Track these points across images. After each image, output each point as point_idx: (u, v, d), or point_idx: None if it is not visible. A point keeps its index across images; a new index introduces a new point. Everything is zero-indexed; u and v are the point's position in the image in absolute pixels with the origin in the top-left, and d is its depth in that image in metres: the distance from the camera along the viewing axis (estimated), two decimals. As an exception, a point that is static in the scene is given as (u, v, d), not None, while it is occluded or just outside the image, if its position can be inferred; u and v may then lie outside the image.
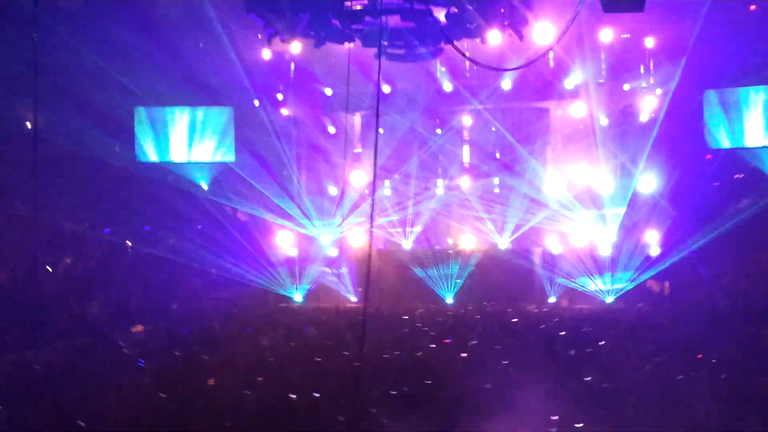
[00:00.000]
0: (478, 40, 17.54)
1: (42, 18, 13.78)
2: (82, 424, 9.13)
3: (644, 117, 19.70)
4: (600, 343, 13.14)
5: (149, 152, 20.77)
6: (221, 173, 20.72)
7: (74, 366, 12.05)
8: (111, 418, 9.45)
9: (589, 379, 10.68)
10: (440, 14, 16.80)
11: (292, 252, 20.29)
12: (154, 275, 18.76)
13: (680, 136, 19.32)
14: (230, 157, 20.79)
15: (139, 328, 15.53)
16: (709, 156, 19.50)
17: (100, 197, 19.25)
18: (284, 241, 20.34)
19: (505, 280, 18.68)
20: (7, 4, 17.47)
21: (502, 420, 9.19)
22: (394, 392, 10.46)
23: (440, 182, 21.50)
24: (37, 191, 12.89)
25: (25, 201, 17.70)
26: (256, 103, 20.54)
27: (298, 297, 19.40)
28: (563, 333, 14.26)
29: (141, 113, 20.62)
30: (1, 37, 17.39)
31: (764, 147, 18.95)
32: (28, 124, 17.34)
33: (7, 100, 17.89)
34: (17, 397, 10.02)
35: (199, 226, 19.68)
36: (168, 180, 20.27)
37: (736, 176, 19.23)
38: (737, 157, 19.25)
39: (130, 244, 19.25)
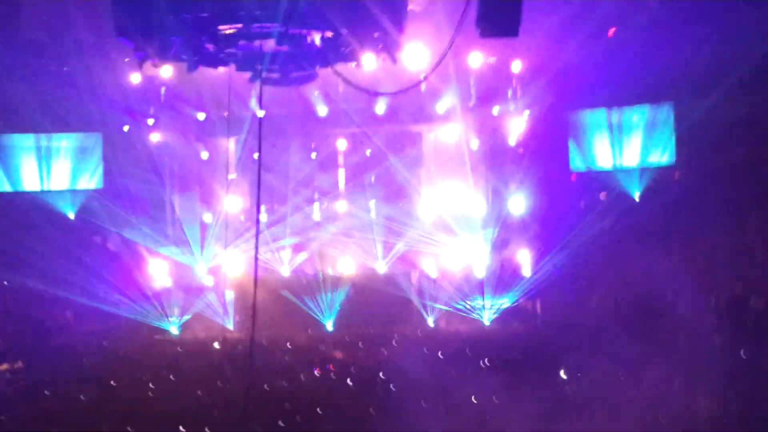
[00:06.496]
0: (353, 64, 17.61)
1: None
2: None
3: (512, 140, 20.25)
4: (480, 364, 13.51)
5: (8, 181, 19.88)
6: (89, 201, 19.96)
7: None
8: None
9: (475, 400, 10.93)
10: (316, 38, 16.78)
11: (167, 281, 19.70)
12: (19, 309, 17.80)
13: (546, 158, 19.93)
14: (98, 184, 20.10)
15: (2, 366, 14.71)
16: (573, 176, 20.29)
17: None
18: (158, 271, 19.72)
19: (384, 304, 18.75)
20: None
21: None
22: (281, 423, 10.39)
23: (316, 207, 21.46)
24: None
25: None
26: (126, 128, 19.97)
27: (173, 329, 18.83)
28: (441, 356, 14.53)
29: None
30: None
31: (625, 168, 19.86)
32: None
33: None
34: None
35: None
36: (30, 209, 19.30)
37: (600, 196, 20.01)
38: (600, 178, 20.09)
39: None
